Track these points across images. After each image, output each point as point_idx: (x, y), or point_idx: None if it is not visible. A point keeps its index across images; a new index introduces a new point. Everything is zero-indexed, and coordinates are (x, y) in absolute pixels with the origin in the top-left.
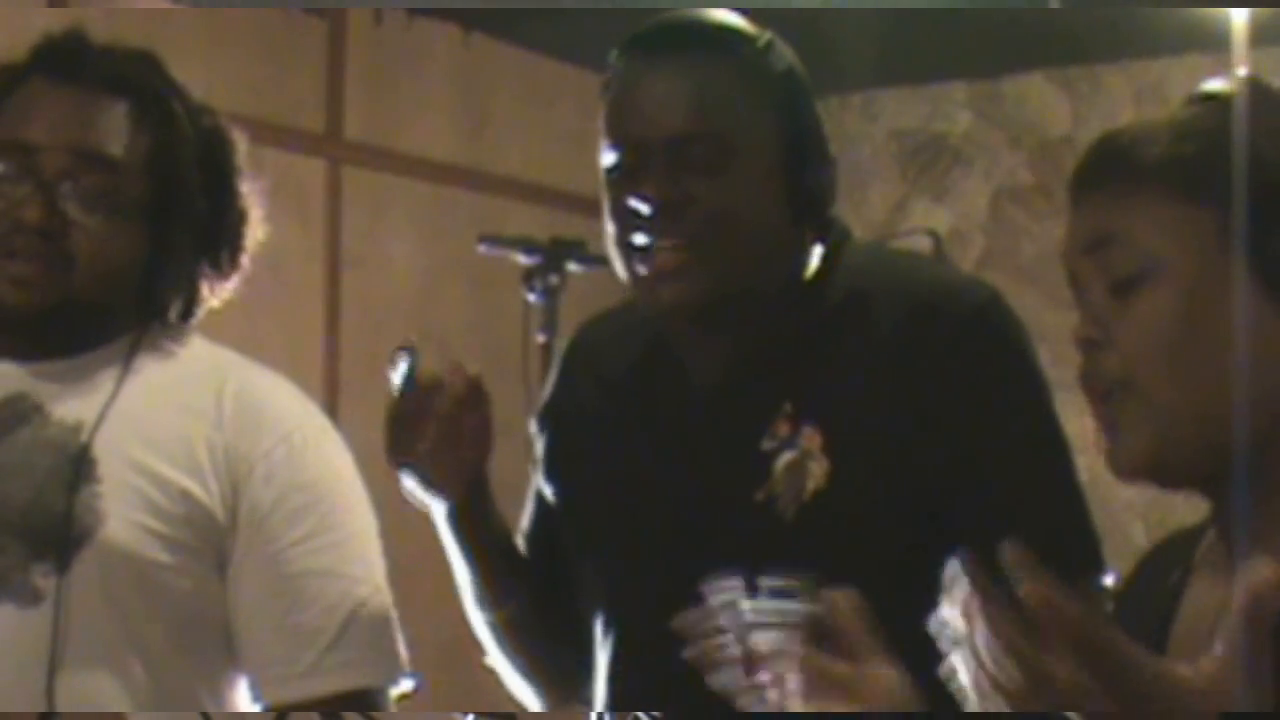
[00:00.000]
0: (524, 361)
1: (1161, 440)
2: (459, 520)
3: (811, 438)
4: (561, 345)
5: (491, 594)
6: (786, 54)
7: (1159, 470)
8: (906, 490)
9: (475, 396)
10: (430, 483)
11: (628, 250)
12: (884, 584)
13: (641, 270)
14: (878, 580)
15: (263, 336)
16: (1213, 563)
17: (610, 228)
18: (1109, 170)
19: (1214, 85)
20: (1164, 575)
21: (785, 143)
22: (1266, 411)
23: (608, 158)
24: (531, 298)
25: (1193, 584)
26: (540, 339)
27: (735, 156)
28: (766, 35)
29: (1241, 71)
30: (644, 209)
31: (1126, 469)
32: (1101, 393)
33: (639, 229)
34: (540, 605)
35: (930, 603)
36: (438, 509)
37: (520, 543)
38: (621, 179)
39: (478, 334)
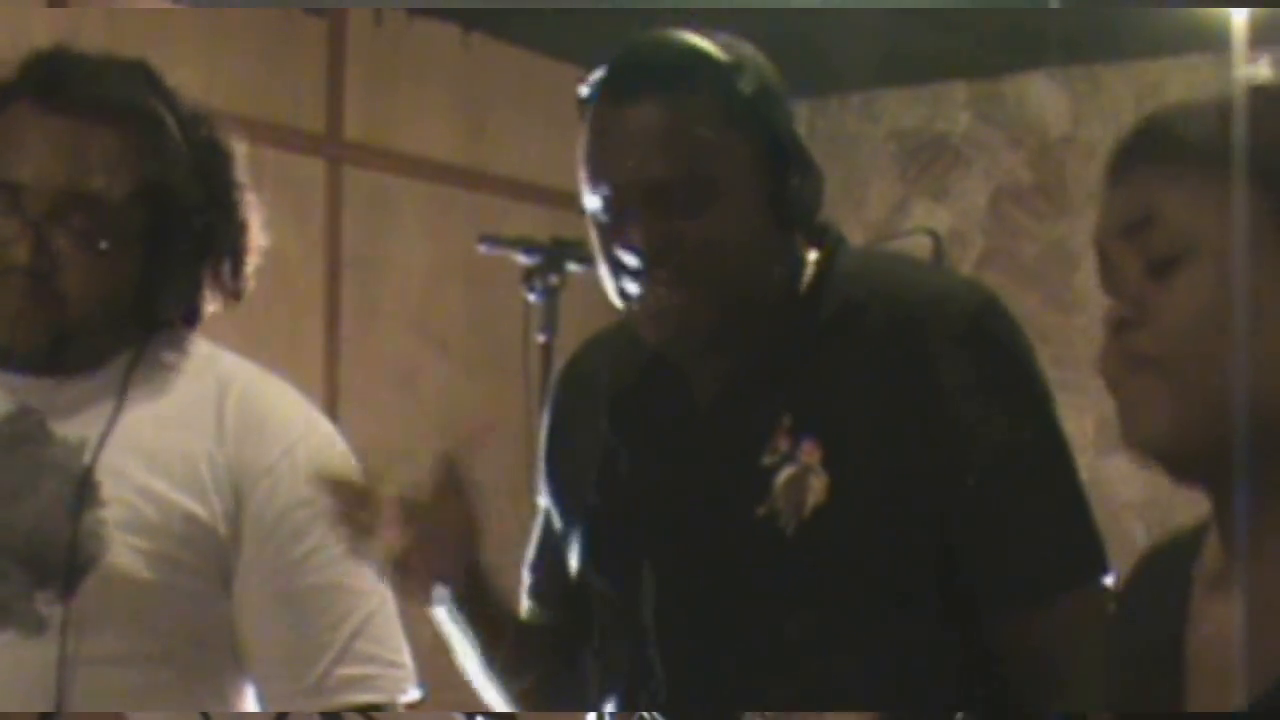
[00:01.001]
0: (524, 361)
1: (1183, 422)
2: (461, 608)
3: (811, 452)
4: (560, 345)
5: (507, 670)
6: (759, 70)
7: (1175, 451)
8: (907, 503)
9: (456, 487)
10: (424, 580)
11: (624, 294)
12: (884, 598)
13: (639, 310)
14: (877, 594)
15: (263, 337)
16: (1214, 576)
17: (603, 271)
18: (1153, 148)
19: (1258, 74)
20: (1164, 589)
21: (764, 162)
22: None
23: (590, 201)
24: (531, 298)
25: (1195, 599)
26: (540, 339)
27: (716, 191)
28: (735, 55)
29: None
30: (634, 261)
31: (1143, 445)
32: (1125, 371)
33: (629, 273)
34: (555, 667)
35: (928, 616)
36: (440, 602)
37: (526, 573)
38: (608, 227)
39: (478, 334)
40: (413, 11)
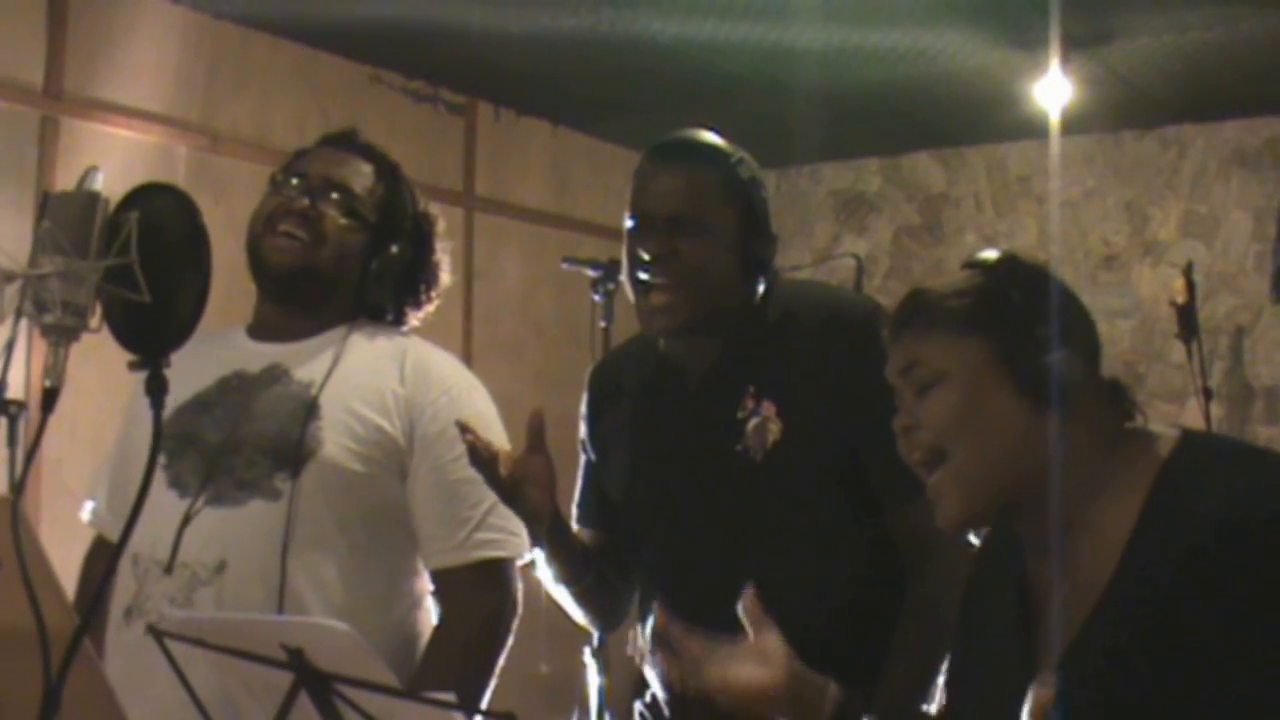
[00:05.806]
0: (591, 337)
1: (967, 500)
2: (544, 539)
3: (769, 408)
4: (614, 329)
5: (569, 576)
6: (752, 166)
7: (971, 522)
8: (831, 438)
9: (540, 456)
10: (522, 515)
11: (635, 284)
12: (816, 498)
13: (643, 303)
14: (813, 496)
15: (426, 321)
16: (1030, 545)
17: (625, 267)
18: (913, 317)
19: (982, 255)
20: (1006, 554)
21: (743, 227)
22: (1028, 468)
23: (628, 223)
24: (596, 298)
25: (1027, 561)
26: (601, 324)
27: (707, 230)
28: (739, 153)
29: (995, 252)
30: (646, 256)
31: (952, 528)
32: (923, 464)
33: (642, 270)
34: (598, 575)
35: (844, 513)
36: (530, 532)
37: (574, 509)
38: (634, 237)
39: (562, 321)
40: (520, 111)
